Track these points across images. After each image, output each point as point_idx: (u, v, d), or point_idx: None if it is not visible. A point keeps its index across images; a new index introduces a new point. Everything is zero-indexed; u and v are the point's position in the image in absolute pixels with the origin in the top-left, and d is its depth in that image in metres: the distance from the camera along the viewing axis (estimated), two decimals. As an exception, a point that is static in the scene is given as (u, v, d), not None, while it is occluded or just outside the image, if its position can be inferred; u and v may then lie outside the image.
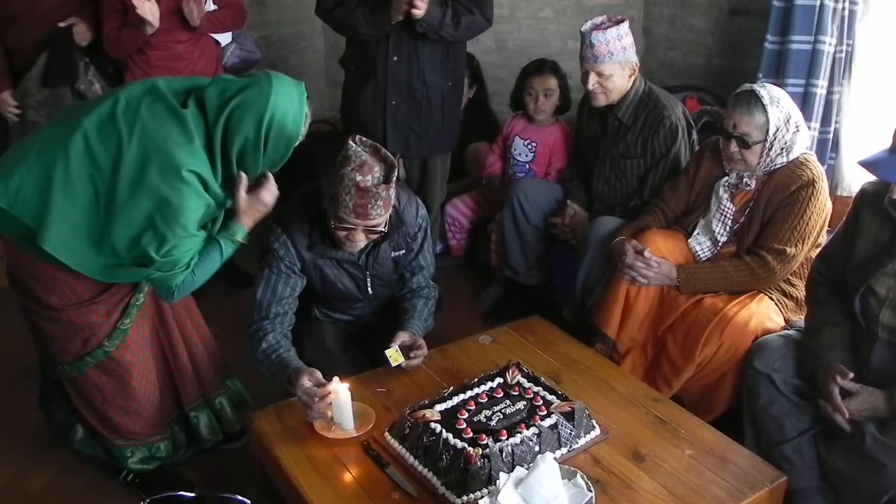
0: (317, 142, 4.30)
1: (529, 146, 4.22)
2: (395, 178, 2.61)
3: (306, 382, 2.52)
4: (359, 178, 2.55)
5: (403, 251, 2.97)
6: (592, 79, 3.47)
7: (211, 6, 3.90)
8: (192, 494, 2.45)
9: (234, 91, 2.32)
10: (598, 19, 3.47)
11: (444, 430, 2.31)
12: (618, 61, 3.42)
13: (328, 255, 2.86)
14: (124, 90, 2.37)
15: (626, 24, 3.43)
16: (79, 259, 2.37)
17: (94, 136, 2.28)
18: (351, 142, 2.63)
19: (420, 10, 3.38)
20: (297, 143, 2.42)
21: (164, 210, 2.28)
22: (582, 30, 3.44)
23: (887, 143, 2.39)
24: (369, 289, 2.97)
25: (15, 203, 2.31)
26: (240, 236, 2.56)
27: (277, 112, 2.32)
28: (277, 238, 2.83)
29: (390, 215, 2.77)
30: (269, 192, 2.57)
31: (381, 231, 2.76)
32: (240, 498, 2.37)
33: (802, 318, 2.89)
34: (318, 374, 2.56)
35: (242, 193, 2.50)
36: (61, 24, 3.69)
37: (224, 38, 4.14)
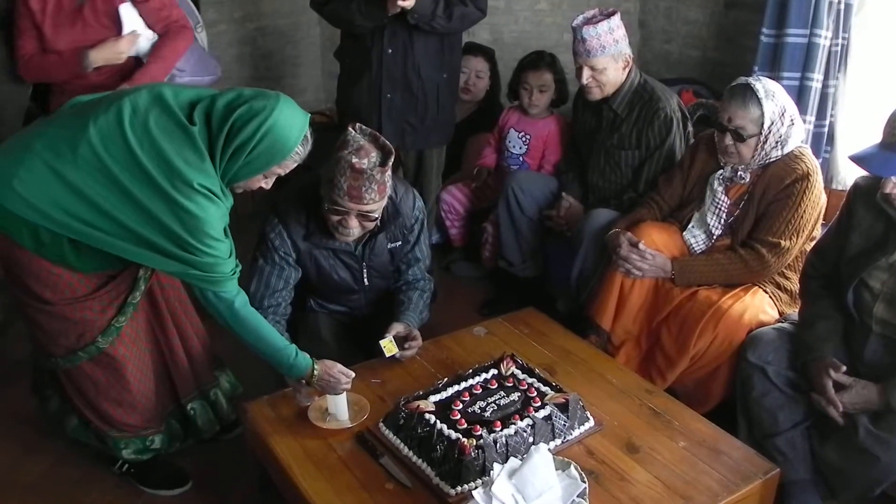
0: (313, 133, 4.28)
1: (524, 138, 4.21)
2: (390, 164, 2.62)
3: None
4: (355, 160, 2.56)
5: (400, 243, 2.97)
6: (586, 73, 3.45)
7: (148, 35, 3.41)
8: None
9: (242, 101, 2.30)
10: (590, 13, 3.44)
11: (438, 421, 2.32)
12: (610, 55, 3.40)
13: (324, 245, 2.86)
14: (129, 96, 2.32)
15: (617, 17, 3.41)
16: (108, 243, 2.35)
17: (98, 144, 2.24)
18: (350, 128, 2.64)
19: (409, 1, 3.37)
20: (285, 160, 2.36)
21: (187, 222, 2.27)
22: (573, 25, 3.42)
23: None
24: (365, 280, 2.97)
25: (16, 202, 2.28)
26: (303, 366, 2.51)
27: (280, 121, 2.28)
28: (273, 227, 2.83)
29: (387, 206, 2.78)
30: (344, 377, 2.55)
31: (375, 218, 2.75)
32: None
33: (796, 311, 2.90)
34: None
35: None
36: None
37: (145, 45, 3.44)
